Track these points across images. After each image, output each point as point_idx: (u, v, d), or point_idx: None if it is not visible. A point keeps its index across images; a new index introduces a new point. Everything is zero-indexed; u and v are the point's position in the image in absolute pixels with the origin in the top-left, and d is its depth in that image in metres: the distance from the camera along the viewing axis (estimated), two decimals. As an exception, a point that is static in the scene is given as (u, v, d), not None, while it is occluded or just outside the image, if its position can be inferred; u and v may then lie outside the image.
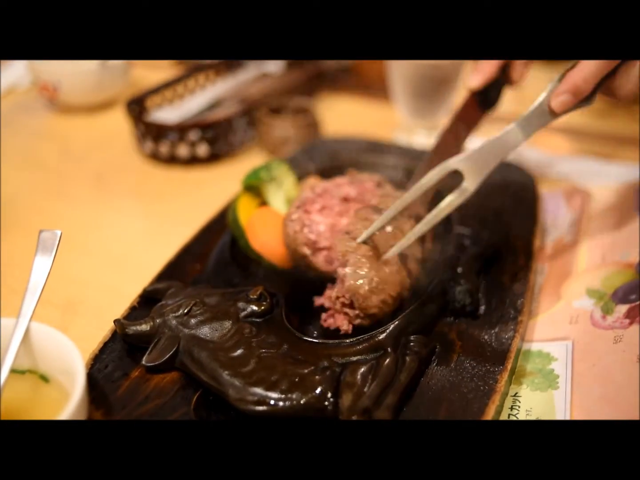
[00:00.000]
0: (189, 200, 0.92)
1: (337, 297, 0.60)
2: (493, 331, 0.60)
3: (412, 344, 0.57)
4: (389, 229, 0.63)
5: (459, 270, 0.65)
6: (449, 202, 0.60)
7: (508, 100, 0.82)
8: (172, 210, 0.90)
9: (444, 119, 0.99)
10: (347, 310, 0.60)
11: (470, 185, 0.60)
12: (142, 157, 1.03)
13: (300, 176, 0.80)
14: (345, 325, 0.60)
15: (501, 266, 0.69)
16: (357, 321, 0.60)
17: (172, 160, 1.00)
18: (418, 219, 0.62)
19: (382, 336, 0.58)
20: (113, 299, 0.68)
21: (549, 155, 0.96)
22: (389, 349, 0.57)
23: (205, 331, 0.58)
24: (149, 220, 0.89)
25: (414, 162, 0.82)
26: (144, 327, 0.59)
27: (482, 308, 0.63)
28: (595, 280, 0.66)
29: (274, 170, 0.75)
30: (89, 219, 0.89)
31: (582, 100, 0.61)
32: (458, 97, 0.99)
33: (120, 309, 0.64)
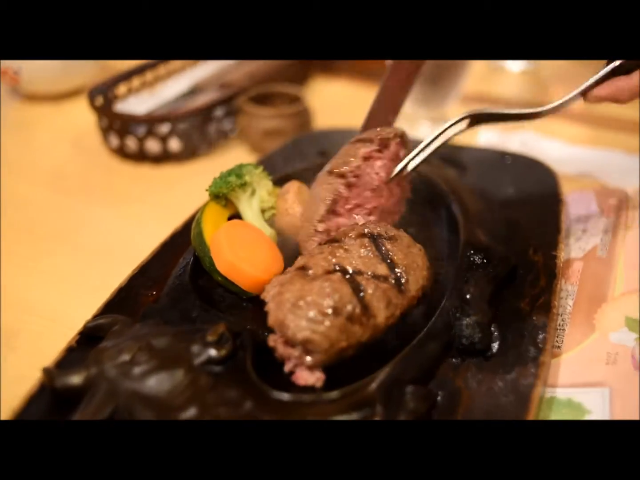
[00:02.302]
0: (160, 202, 0.86)
1: (275, 341, 0.53)
2: (509, 376, 0.53)
3: (407, 397, 0.49)
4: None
5: (468, 296, 0.58)
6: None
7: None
8: (140, 213, 0.84)
9: (451, 108, 0.93)
10: (290, 350, 0.52)
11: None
12: (109, 152, 0.96)
13: (283, 178, 0.71)
14: (313, 380, 0.52)
15: (518, 288, 0.61)
16: (309, 359, 0.51)
17: (141, 156, 0.92)
18: None
19: (370, 388, 0.49)
20: (56, 328, 0.62)
21: (571, 147, 0.90)
22: (378, 405, 0.48)
23: (151, 384, 0.50)
24: (113, 224, 0.82)
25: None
26: (76, 379, 0.50)
27: (495, 345, 0.56)
28: (635, 308, 0.59)
29: (247, 174, 0.66)
30: (41, 224, 0.81)
31: None
32: (467, 85, 0.94)
33: (63, 339, 0.56)
